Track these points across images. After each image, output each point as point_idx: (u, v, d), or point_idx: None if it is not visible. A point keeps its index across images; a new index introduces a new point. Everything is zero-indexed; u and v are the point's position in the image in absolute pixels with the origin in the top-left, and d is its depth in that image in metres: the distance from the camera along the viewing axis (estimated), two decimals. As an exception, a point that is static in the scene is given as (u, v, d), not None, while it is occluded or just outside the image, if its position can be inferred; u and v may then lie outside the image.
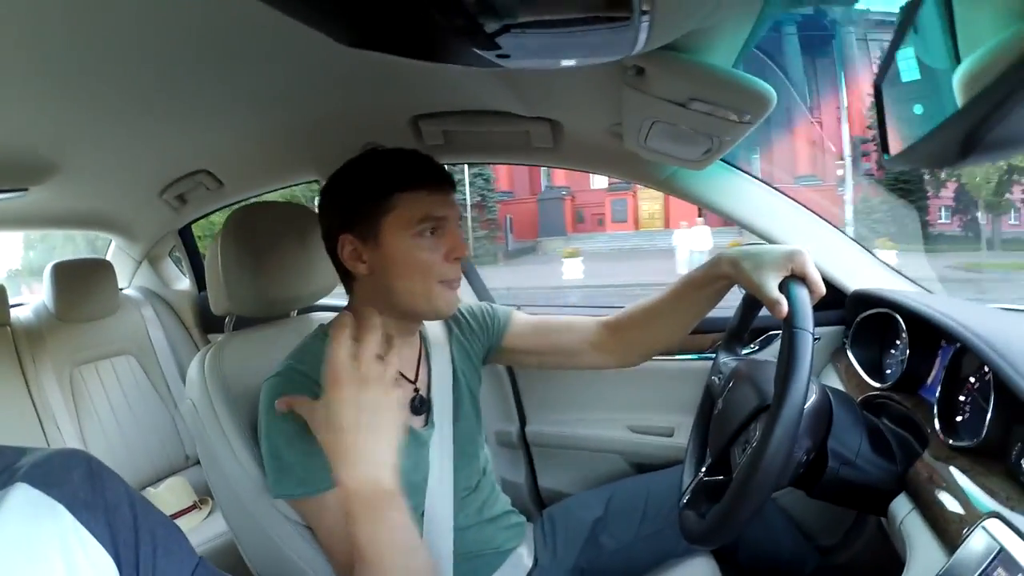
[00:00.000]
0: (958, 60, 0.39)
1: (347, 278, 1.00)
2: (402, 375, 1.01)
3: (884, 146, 0.60)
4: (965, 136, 0.40)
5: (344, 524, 0.73)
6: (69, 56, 0.82)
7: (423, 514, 0.97)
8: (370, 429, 0.70)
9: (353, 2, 0.58)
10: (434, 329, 1.12)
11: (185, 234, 2.18)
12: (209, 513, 1.82)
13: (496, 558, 1.08)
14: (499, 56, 0.58)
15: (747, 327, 1.07)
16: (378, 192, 0.91)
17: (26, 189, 1.47)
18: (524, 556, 1.14)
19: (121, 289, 2.13)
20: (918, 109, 0.50)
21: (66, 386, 1.86)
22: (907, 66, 0.55)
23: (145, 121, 1.16)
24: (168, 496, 1.77)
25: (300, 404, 0.77)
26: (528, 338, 1.18)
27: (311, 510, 0.86)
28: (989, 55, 0.36)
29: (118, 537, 0.51)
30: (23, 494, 0.49)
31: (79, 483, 0.52)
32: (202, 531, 1.68)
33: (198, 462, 2.04)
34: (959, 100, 0.38)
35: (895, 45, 0.56)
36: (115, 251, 2.27)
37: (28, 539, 0.46)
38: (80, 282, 1.92)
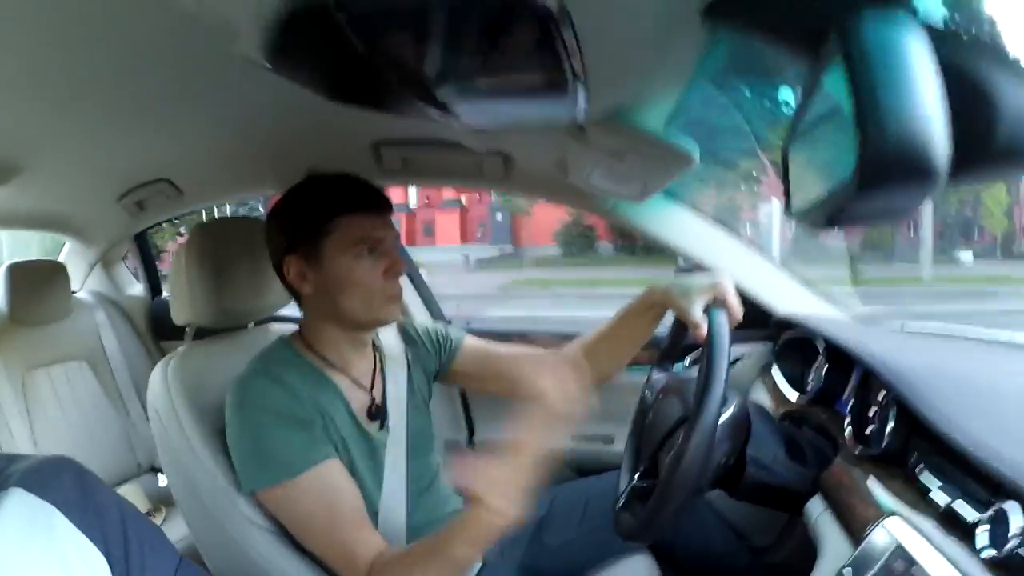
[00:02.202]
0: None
1: (296, 296, 1.05)
2: (357, 384, 1.06)
3: (788, 204, 0.69)
4: (829, 214, 0.49)
5: (323, 501, 0.89)
6: (33, 61, 0.83)
7: (376, 513, 1.02)
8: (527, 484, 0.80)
9: (327, 63, 0.64)
10: (390, 343, 1.17)
11: (141, 239, 2.16)
12: (163, 521, 1.82)
13: None
14: (456, 118, 0.65)
15: (678, 346, 1.15)
16: (318, 216, 0.97)
17: None
18: None
19: (73, 292, 2.09)
20: (812, 177, 0.59)
21: (19, 390, 1.82)
22: (807, 136, 0.64)
23: (108, 128, 1.17)
24: (121, 502, 1.76)
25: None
26: (476, 364, 1.23)
27: (289, 495, 0.91)
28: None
29: (108, 537, 0.54)
30: (19, 499, 0.51)
31: (70, 487, 0.55)
32: (157, 537, 1.67)
33: (150, 470, 2.04)
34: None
35: (799, 114, 0.65)
36: (68, 253, 2.22)
37: (26, 541, 0.49)
38: (34, 284, 1.88)
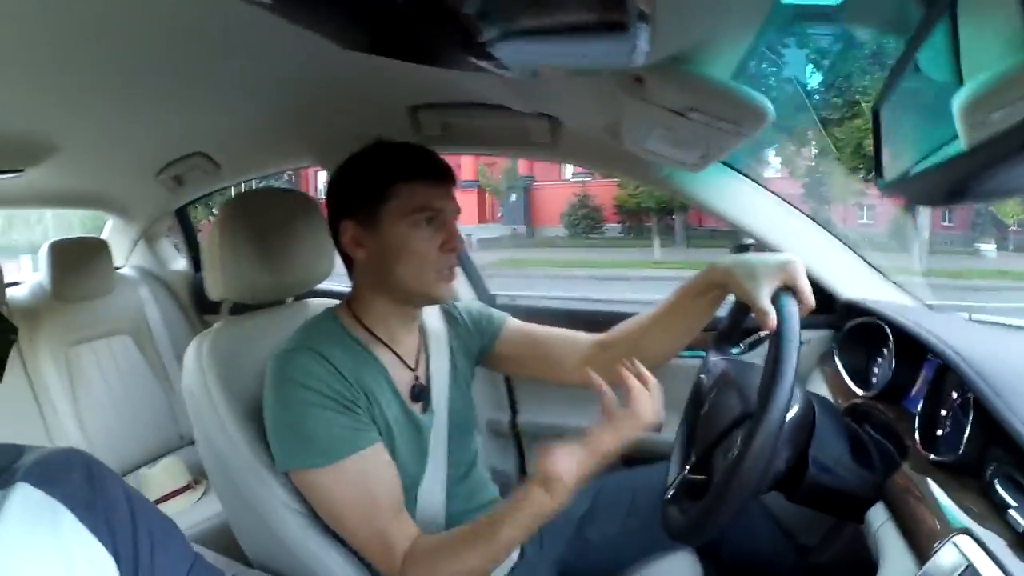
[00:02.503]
0: (961, 85, 0.39)
1: (348, 262, 1.03)
2: (403, 361, 1.03)
3: (879, 171, 0.60)
4: (954, 183, 0.41)
5: (360, 489, 0.88)
6: (67, 39, 0.83)
7: (415, 499, 1.00)
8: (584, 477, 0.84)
9: (354, 10, 0.58)
10: (434, 324, 1.13)
11: (182, 215, 2.18)
12: (203, 494, 1.83)
13: None
14: (497, 66, 0.58)
15: (738, 329, 1.08)
16: (379, 181, 0.95)
17: (22, 170, 1.47)
18: None
19: (117, 268, 2.13)
20: (915, 140, 0.51)
21: (62, 366, 1.86)
22: (912, 93, 0.55)
23: (142, 103, 1.16)
24: (163, 476, 1.78)
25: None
26: (518, 347, 1.20)
27: (327, 480, 0.89)
28: (991, 83, 0.37)
29: (117, 536, 0.53)
30: (25, 494, 0.50)
31: (78, 483, 0.53)
32: (196, 511, 1.70)
33: (192, 442, 2.07)
34: (958, 126, 0.39)
35: (898, 71, 0.56)
36: (111, 230, 2.27)
37: (31, 538, 0.48)
38: (77, 261, 1.91)
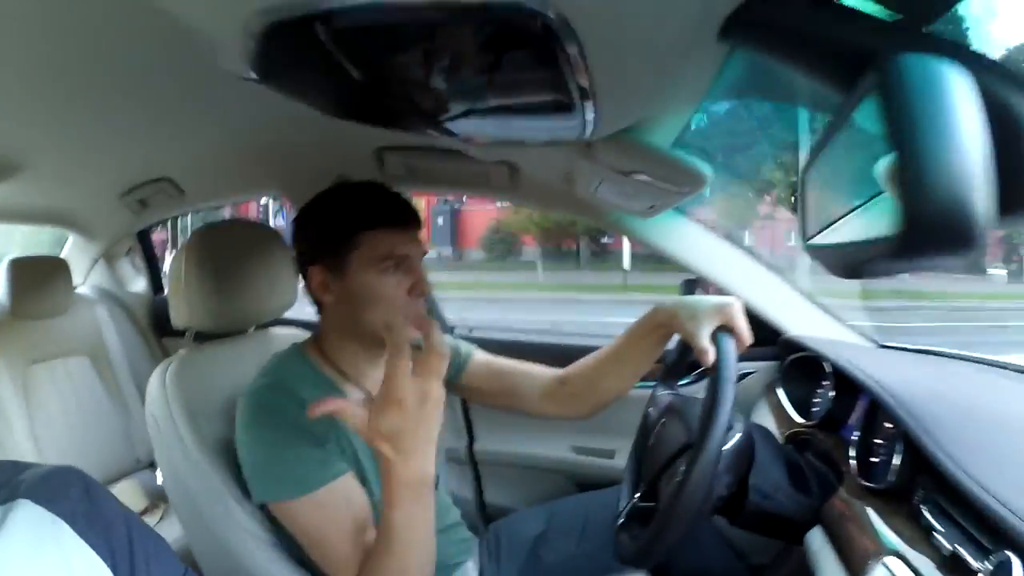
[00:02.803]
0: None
1: (318, 304, 1.03)
2: (371, 397, 1.04)
3: (803, 233, 0.66)
4: (851, 264, 0.47)
5: (336, 518, 0.87)
6: (34, 61, 0.83)
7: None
8: (427, 433, 0.76)
9: (322, 80, 0.62)
10: None
11: (143, 237, 2.16)
12: (161, 518, 1.81)
13: (445, 572, 1.12)
14: (462, 140, 0.63)
15: (683, 363, 1.14)
16: (344, 230, 0.95)
17: None
18: (471, 570, 1.18)
19: (75, 287, 2.09)
20: (831, 212, 0.56)
21: (19, 384, 1.81)
22: (830, 165, 0.61)
23: (109, 128, 1.17)
24: (120, 500, 1.76)
25: (340, 408, 0.77)
26: (484, 379, 1.22)
27: (302, 511, 0.89)
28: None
29: (115, 550, 0.53)
30: (27, 511, 0.51)
31: (77, 499, 0.54)
32: (153, 536, 1.67)
33: (149, 466, 2.04)
34: (878, 207, 0.43)
35: (819, 147, 0.61)
36: (71, 248, 2.23)
37: (35, 553, 0.49)
38: (36, 279, 1.88)
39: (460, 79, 0.55)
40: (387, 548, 0.79)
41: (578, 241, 16.12)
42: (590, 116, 0.60)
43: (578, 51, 0.49)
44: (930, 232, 0.35)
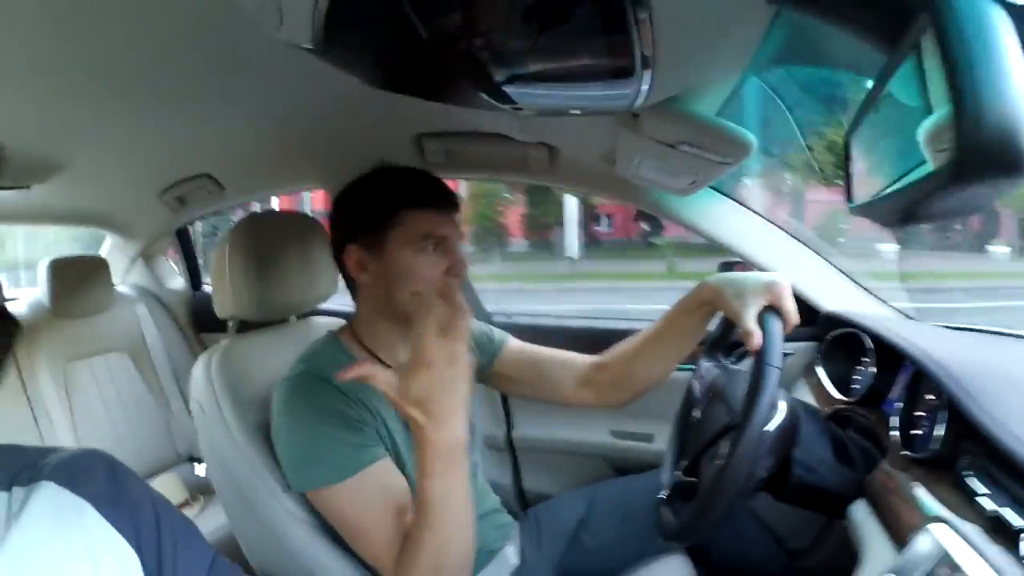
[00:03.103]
0: (928, 115, 0.44)
1: (352, 285, 1.05)
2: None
3: (849, 196, 0.66)
4: (903, 209, 0.47)
5: (374, 503, 0.87)
6: (77, 58, 0.84)
7: None
8: (455, 396, 0.75)
9: (384, 51, 0.63)
10: None
11: (182, 234, 2.21)
12: (201, 510, 1.85)
13: (485, 556, 1.13)
14: (510, 106, 0.64)
15: (728, 339, 1.13)
16: (386, 207, 0.97)
17: (28, 186, 1.49)
18: (511, 555, 1.19)
19: (115, 286, 2.14)
20: (878, 170, 0.57)
21: (60, 381, 1.86)
22: (876, 125, 0.61)
23: (150, 124, 1.19)
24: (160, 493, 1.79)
25: (371, 373, 0.77)
26: (517, 366, 1.22)
27: (340, 497, 0.90)
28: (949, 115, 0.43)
29: (141, 533, 0.53)
30: (51, 492, 0.51)
31: (103, 482, 0.54)
32: (195, 527, 1.70)
33: (189, 459, 2.08)
34: (924, 151, 0.44)
35: (865, 107, 0.62)
36: (110, 248, 2.28)
37: (58, 535, 0.49)
38: (76, 278, 1.93)
39: (518, 40, 0.55)
40: (425, 521, 0.78)
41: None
42: (646, 85, 0.61)
43: (648, 16, 0.49)
44: (985, 156, 0.36)
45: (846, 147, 0.67)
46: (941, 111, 0.41)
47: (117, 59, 0.86)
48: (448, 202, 0.99)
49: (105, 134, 1.23)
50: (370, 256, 0.98)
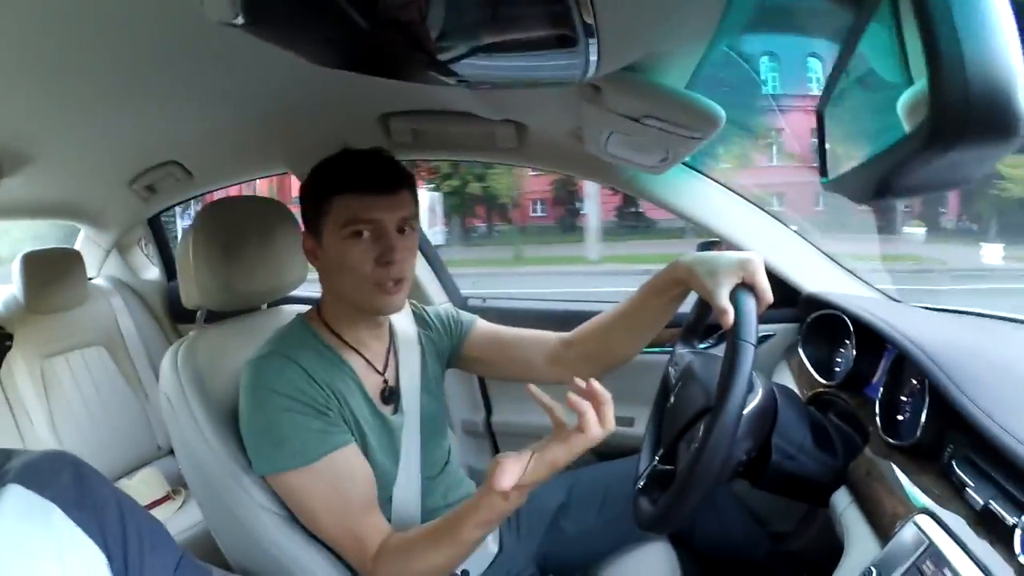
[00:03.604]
0: (908, 85, 0.41)
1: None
2: (371, 365, 1.04)
3: (823, 170, 0.64)
4: (878, 180, 0.44)
5: (336, 488, 0.90)
6: (40, 50, 0.83)
7: (391, 498, 1.01)
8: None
9: (323, 29, 0.60)
10: (404, 326, 1.15)
11: (154, 223, 2.17)
12: (182, 503, 1.83)
13: None
14: (459, 81, 0.60)
15: (702, 323, 1.11)
16: (319, 195, 0.95)
17: None
18: (490, 543, 1.17)
19: (90, 279, 2.10)
20: (851, 142, 0.54)
21: (37, 377, 1.84)
22: (849, 94, 0.58)
23: (116, 113, 1.16)
24: (141, 488, 1.77)
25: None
26: (486, 348, 1.21)
27: (302, 481, 0.90)
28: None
29: (107, 534, 0.54)
30: (17, 495, 0.51)
31: (68, 484, 0.55)
32: (176, 521, 1.69)
33: (170, 452, 2.06)
34: (904, 123, 0.41)
35: (834, 77, 0.59)
36: (84, 240, 2.24)
37: (25, 538, 0.49)
38: (50, 272, 1.89)
39: (462, 15, 0.52)
40: (437, 543, 0.86)
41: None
42: (593, 55, 0.57)
43: None
44: (967, 117, 0.33)
45: (819, 119, 0.64)
46: (920, 75, 0.37)
47: (78, 49, 0.85)
48: (382, 182, 0.94)
49: (71, 125, 1.21)
50: (317, 244, 0.98)
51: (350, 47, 0.64)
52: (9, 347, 0.51)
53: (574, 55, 0.55)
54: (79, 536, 0.52)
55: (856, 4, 0.47)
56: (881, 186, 0.45)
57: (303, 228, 0.99)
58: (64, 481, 0.55)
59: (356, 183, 0.93)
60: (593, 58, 0.55)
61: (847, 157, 0.56)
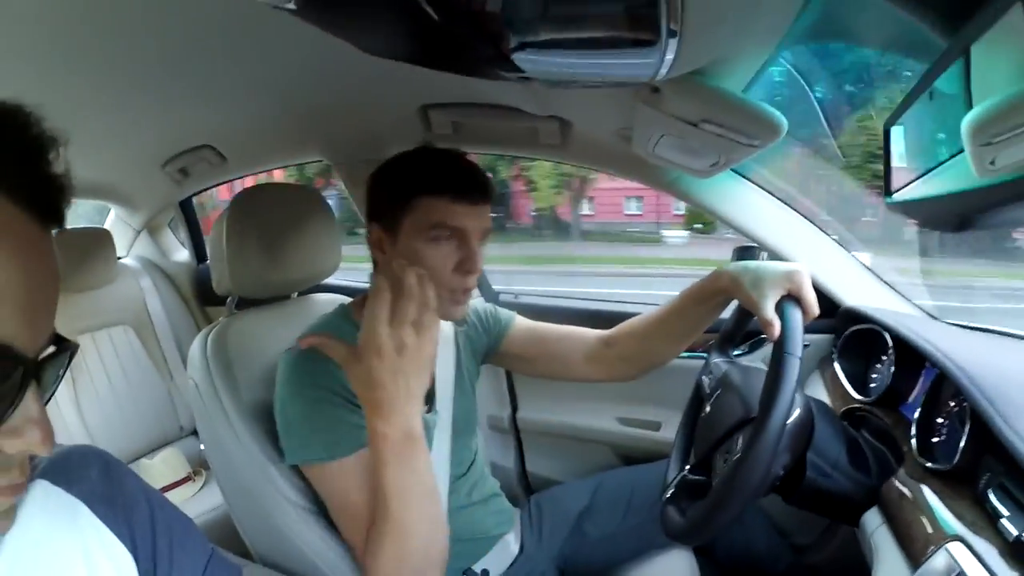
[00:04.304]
0: (970, 108, 0.40)
1: (374, 261, 1.02)
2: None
3: (887, 188, 0.62)
4: (963, 215, 0.43)
5: (363, 488, 0.84)
6: (79, 28, 0.82)
7: None
8: (406, 387, 0.73)
9: (376, 15, 0.58)
10: (442, 324, 1.13)
11: (186, 206, 2.18)
12: (203, 485, 1.84)
13: (485, 543, 1.12)
14: (520, 77, 0.59)
15: (741, 331, 1.10)
16: (402, 190, 0.93)
17: None
18: (511, 543, 1.17)
19: (119, 258, 2.12)
20: (924, 161, 0.52)
21: None
22: (925, 117, 0.56)
23: (152, 95, 1.16)
24: (162, 468, 1.79)
25: (336, 349, 0.77)
26: (525, 345, 1.21)
27: (332, 476, 0.89)
28: (997, 106, 0.38)
29: (136, 532, 0.53)
30: (44, 491, 0.50)
31: (97, 480, 0.54)
32: (196, 503, 1.71)
33: (192, 433, 2.08)
34: (966, 148, 0.40)
35: (914, 95, 0.57)
36: (114, 220, 2.26)
37: (52, 535, 0.48)
38: (80, 251, 1.90)
39: (540, 9, 0.50)
40: (384, 511, 0.76)
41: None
42: (670, 55, 0.55)
43: None
44: None
45: (885, 136, 0.63)
46: (987, 103, 0.37)
47: (116, 30, 0.84)
48: (473, 192, 0.94)
49: (107, 106, 1.20)
50: (388, 238, 0.96)
51: (406, 36, 0.62)
52: (74, 354, 0.50)
53: (649, 55, 0.53)
54: (106, 534, 0.51)
55: (950, 30, 0.45)
56: (965, 219, 0.44)
57: (372, 218, 0.98)
58: (92, 477, 0.54)
59: (449, 187, 0.92)
60: (669, 58, 0.53)
61: (921, 181, 0.54)
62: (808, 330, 1.33)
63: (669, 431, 1.44)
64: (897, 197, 0.58)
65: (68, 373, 1.76)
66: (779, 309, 0.87)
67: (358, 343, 0.73)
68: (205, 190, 2.02)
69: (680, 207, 9.99)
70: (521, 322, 1.23)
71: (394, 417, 0.73)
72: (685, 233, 10.10)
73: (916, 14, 0.47)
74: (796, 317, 0.85)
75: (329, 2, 0.58)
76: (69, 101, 1.14)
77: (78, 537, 0.49)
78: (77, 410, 1.83)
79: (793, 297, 0.88)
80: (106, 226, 2.22)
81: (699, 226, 9.31)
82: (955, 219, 0.44)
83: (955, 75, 0.43)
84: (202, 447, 1.91)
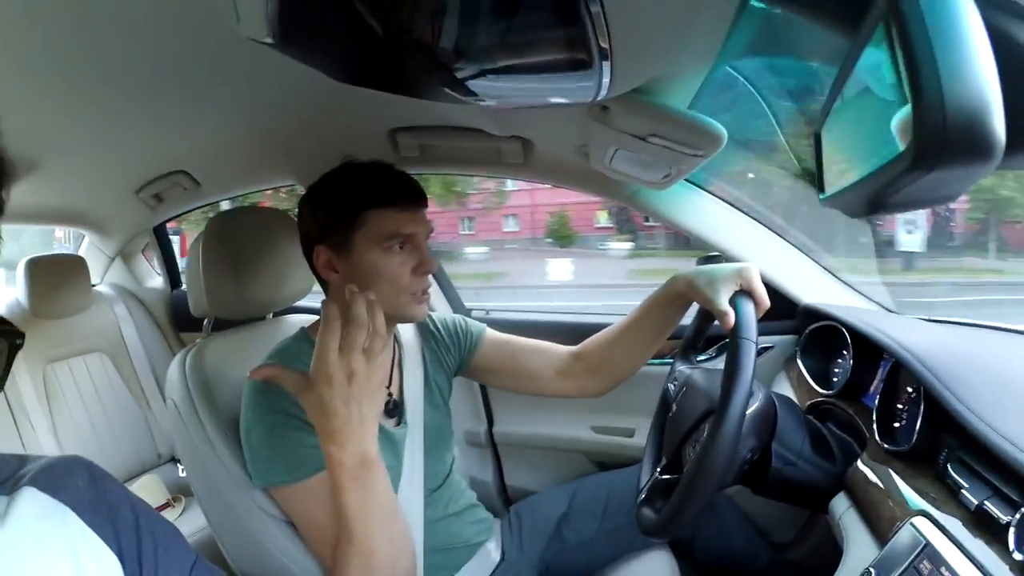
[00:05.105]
0: (903, 104, 0.43)
1: (324, 284, 1.04)
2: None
3: (821, 187, 0.66)
4: (871, 197, 0.47)
5: (328, 507, 0.82)
6: (51, 56, 0.83)
7: None
8: (359, 413, 0.74)
9: (345, 45, 0.62)
10: (407, 338, 1.16)
11: (159, 232, 2.18)
12: (183, 511, 1.83)
13: (465, 551, 1.13)
14: (475, 99, 0.63)
15: (701, 337, 1.14)
16: (350, 208, 0.95)
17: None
18: (492, 551, 1.19)
19: (93, 285, 2.11)
20: (847, 160, 0.56)
21: (39, 383, 1.84)
22: (845, 114, 0.61)
23: (125, 121, 1.17)
24: (142, 494, 1.74)
25: (288, 379, 0.77)
26: (497, 358, 1.22)
27: (296, 497, 0.90)
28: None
29: (121, 537, 0.54)
30: (32, 498, 0.51)
31: (83, 487, 0.55)
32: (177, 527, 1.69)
33: (170, 460, 2.06)
34: (898, 142, 0.43)
35: (831, 99, 0.62)
36: (88, 247, 2.24)
37: (40, 541, 0.49)
38: (54, 278, 1.89)
39: (483, 36, 0.55)
40: (347, 532, 0.77)
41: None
42: (606, 77, 0.60)
43: (601, 8, 0.48)
44: (948, 140, 0.36)
45: (816, 139, 0.67)
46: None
47: (88, 57, 0.85)
48: (413, 198, 0.98)
49: (79, 132, 1.21)
50: (339, 257, 0.98)
51: (372, 65, 0.66)
52: (20, 345, 0.51)
53: (588, 77, 0.57)
54: (93, 539, 0.52)
55: (851, 31, 0.49)
56: (874, 202, 0.48)
57: (316, 242, 0.98)
58: (79, 484, 0.55)
59: (395, 198, 0.96)
60: (606, 80, 0.58)
61: (843, 175, 0.58)
62: (771, 332, 1.39)
63: (642, 437, 1.46)
64: (827, 192, 0.63)
65: (46, 400, 1.73)
66: (732, 302, 0.92)
67: (310, 372, 0.74)
68: (180, 216, 2.03)
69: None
70: (492, 334, 1.25)
71: (348, 444, 0.74)
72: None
73: (818, 21, 0.52)
74: (748, 307, 0.90)
75: (305, 35, 0.62)
76: (42, 128, 1.14)
77: (65, 540, 0.50)
78: (54, 437, 1.82)
79: (745, 291, 0.94)
80: (80, 253, 2.21)
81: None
82: (868, 203, 0.48)
83: (878, 70, 0.46)
84: (182, 473, 1.92)
